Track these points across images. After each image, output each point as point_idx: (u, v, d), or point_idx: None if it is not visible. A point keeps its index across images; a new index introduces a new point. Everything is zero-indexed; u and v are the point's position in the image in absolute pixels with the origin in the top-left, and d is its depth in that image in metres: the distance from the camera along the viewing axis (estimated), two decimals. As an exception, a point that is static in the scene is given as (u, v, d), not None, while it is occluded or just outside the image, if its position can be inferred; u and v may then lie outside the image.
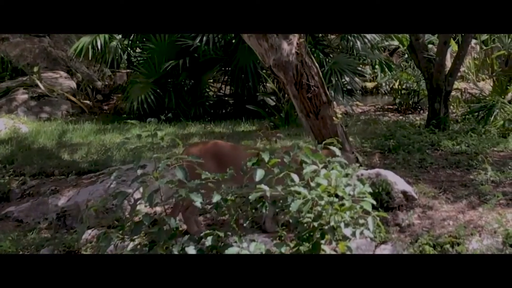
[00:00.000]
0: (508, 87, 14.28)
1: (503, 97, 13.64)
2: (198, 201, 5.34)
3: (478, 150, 10.35)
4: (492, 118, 12.54)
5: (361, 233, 5.26)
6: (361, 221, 5.29)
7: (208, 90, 16.90)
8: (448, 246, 6.81)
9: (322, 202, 5.18)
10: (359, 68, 17.76)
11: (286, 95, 13.43)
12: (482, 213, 7.51)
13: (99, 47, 16.58)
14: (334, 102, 9.11)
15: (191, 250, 5.22)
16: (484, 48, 17.62)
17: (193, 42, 15.44)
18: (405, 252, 6.85)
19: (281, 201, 5.41)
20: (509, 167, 9.09)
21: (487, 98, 13.73)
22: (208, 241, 5.40)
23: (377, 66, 18.77)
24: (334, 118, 8.49)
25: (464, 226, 7.11)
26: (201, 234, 5.54)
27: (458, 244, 6.82)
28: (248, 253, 5.02)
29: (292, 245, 5.40)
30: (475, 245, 6.83)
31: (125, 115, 15.84)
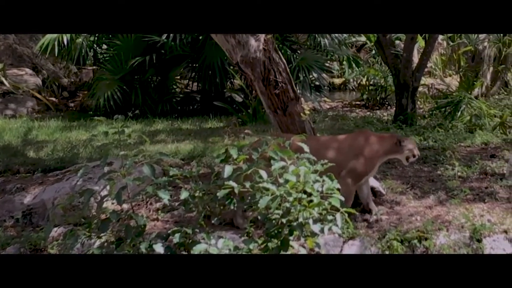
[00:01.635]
0: (475, 82, 14.38)
1: (469, 92, 13.72)
2: (165, 198, 5.33)
3: (445, 145, 10.43)
4: (459, 114, 12.62)
5: (330, 229, 5.26)
6: (329, 217, 5.29)
7: (175, 86, 16.79)
8: (415, 241, 6.84)
9: (291, 199, 5.17)
10: (327, 64, 17.77)
11: (253, 92, 13.39)
12: (449, 208, 7.56)
13: (65, 44, 16.42)
14: (302, 98, 9.07)
15: (158, 247, 5.20)
16: (451, 44, 17.72)
17: (159, 39, 15.35)
18: (373, 248, 6.86)
19: (249, 198, 5.39)
20: (476, 162, 9.15)
21: (454, 94, 13.82)
22: (176, 238, 5.38)
23: (344, 62, 18.80)
24: (302, 114, 8.47)
25: (432, 221, 7.14)
26: (169, 232, 5.53)
27: (426, 239, 6.86)
28: (216, 249, 5.00)
29: (260, 241, 5.38)
30: (442, 240, 6.87)
31: (91, 112, 15.68)
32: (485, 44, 15.11)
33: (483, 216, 7.28)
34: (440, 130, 11.68)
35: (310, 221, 5.17)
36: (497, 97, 14.85)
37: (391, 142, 7.51)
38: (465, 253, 6.74)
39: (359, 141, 7.50)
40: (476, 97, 13.80)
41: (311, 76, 16.25)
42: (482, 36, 15.12)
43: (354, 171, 7.33)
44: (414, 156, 7.59)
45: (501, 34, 14.52)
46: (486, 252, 6.78)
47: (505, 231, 6.97)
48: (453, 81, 17.33)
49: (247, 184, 5.30)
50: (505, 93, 15.07)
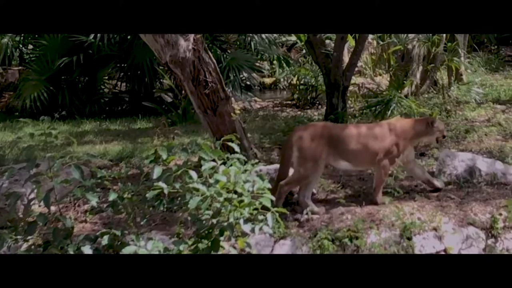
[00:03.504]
0: (405, 81, 14.48)
1: (399, 91, 13.80)
2: (93, 200, 5.25)
3: (375, 144, 10.48)
4: (389, 113, 12.68)
5: (260, 229, 5.23)
6: (260, 217, 5.26)
7: (103, 87, 16.65)
8: (346, 240, 6.87)
9: (221, 199, 5.14)
10: (257, 64, 17.80)
11: (183, 92, 13.30)
12: (380, 206, 7.59)
13: (-10, 44, 16.20)
14: (232, 98, 9.10)
15: (87, 249, 5.12)
16: (381, 43, 17.85)
17: (87, 39, 15.18)
18: (304, 247, 6.87)
19: (179, 198, 5.34)
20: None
21: (384, 93, 13.89)
22: (105, 240, 5.30)
23: (275, 62, 18.83)
24: (232, 114, 8.46)
25: (363, 220, 7.17)
26: (97, 234, 5.45)
27: (357, 238, 6.88)
28: (145, 251, 4.94)
29: (190, 242, 5.33)
30: (373, 238, 6.90)
31: (17, 113, 15.49)
32: (415, 43, 15.24)
33: (413, 214, 7.34)
34: (370, 129, 11.73)
35: (241, 221, 5.15)
36: (426, 95, 14.94)
37: (424, 124, 7.98)
38: (396, 251, 6.80)
39: (393, 126, 7.91)
40: (406, 96, 13.90)
41: (241, 76, 16.26)
42: (411, 35, 15.25)
43: (389, 154, 7.73)
44: (443, 137, 8.22)
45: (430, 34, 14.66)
46: (416, 249, 6.86)
47: (435, 229, 7.06)
48: (383, 80, 17.46)
49: (177, 185, 5.25)
50: (434, 92, 15.18)
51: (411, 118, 9.23)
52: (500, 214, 7.29)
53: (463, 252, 6.91)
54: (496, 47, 23.25)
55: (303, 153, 7.45)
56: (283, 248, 6.94)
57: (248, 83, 16.91)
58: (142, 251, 4.95)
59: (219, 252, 5.25)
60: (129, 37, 15.69)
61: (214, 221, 5.22)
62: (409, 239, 6.94)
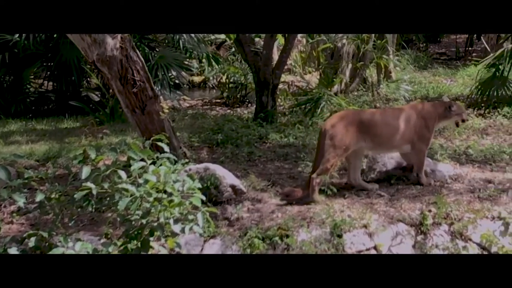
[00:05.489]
0: (334, 79, 14.58)
1: (329, 89, 13.92)
2: (20, 201, 5.15)
3: (306, 142, 10.51)
4: (319, 110, 12.77)
5: (191, 229, 5.20)
6: (190, 216, 5.23)
7: (29, 86, 16.40)
8: (277, 238, 6.86)
9: (151, 199, 5.10)
10: (186, 62, 17.70)
11: (111, 91, 13.18)
12: (310, 204, 7.60)
13: None
14: (161, 97, 9.02)
15: (13, 251, 5.02)
16: (310, 41, 17.94)
17: (11, 37, 14.90)
18: (234, 246, 6.86)
19: (108, 199, 5.27)
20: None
21: (314, 91, 13.97)
22: (32, 242, 5.21)
23: (204, 60, 18.73)
24: (160, 113, 8.42)
25: (293, 218, 7.18)
26: (24, 235, 5.35)
27: (287, 236, 6.88)
28: (73, 252, 4.86)
29: (119, 243, 5.26)
30: (303, 236, 6.91)
31: None
32: (344, 41, 15.34)
33: (343, 211, 7.39)
34: (300, 127, 11.76)
35: (171, 221, 5.11)
36: (356, 93, 15.11)
37: (443, 107, 8.29)
38: (326, 248, 6.82)
39: (418, 110, 8.26)
40: (336, 94, 14.03)
41: (170, 74, 16.14)
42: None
43: (424, 138, 8.14)
44: (463, 120, 8.47)
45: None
46: (347, 247, 6.90)
47: (365, 226, 7.11)
48: (313, 78, 17.57)
49: (106, 185, 5.18)
50: (364, 89, 15.36)
51: (431, 102, 9.69)
52: (430, 211, 7.38)
53: (393, 249, 6.97)
54: (424, 44, 23.64)
55: (333, 141, 7.77)
56: (213, 247, 6.92)
57: (176, 81, 16.80)
58: (70, 252, 4.88)
59: (149, 252, 5.20)
60: (55, 35, 15.46)
61: (144, 221, 5.17)
62: (340, 236, 6.98)
